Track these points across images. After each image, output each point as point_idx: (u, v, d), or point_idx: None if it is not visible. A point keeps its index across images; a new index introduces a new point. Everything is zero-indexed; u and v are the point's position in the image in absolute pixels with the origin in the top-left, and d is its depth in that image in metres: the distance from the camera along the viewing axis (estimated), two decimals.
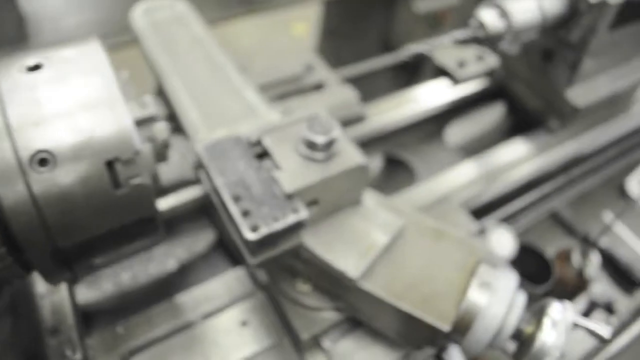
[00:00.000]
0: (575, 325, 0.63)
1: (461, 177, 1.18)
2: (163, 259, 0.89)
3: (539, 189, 1.32)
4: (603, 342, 0.63)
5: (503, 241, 1.02)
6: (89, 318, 0.84)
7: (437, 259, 0.73)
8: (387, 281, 0.70)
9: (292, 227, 0.66)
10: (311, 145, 0.69)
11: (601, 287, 1.61)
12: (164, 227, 0.59)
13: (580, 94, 1.20)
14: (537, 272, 1.45)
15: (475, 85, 1.34)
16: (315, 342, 0.79)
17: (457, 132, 1.33)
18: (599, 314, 1.46)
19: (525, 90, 1.30)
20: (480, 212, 1.26)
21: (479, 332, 0.64)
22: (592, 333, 0.64)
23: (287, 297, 0.79)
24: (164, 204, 0.79)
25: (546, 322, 0.62)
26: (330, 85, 1.33)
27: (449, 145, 1.33)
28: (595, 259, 1.47)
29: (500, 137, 1.33)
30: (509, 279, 0.68)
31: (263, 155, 0.73)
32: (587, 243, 1.67)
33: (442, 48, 1.37)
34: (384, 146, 1.30)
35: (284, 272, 0.81)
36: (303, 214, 0.67)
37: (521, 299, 0.67)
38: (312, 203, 0.70)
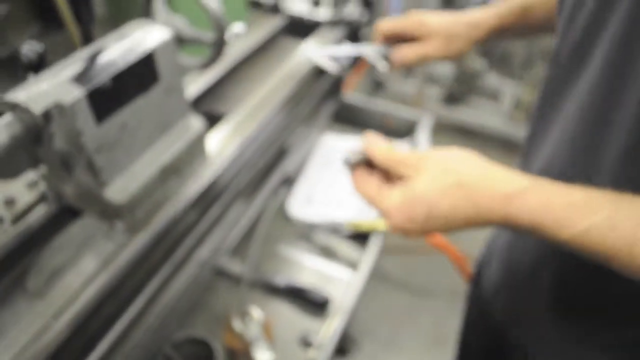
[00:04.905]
0: None
1: None
2: None
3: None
4: None
5: None
6: None
7: None
8: None
9: None
10: None
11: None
12: None
13: (119, 190, 1.12)
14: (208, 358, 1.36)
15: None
16: None
17: None
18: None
19: (79, 202, 1.17)
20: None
21: None
22: None
23: None
24: None
25: None
26: None
27: None
28: (256, 314, 1.43)
29: None
30: None
31: None
32: (269, 288, 1.65)
33: None
34: None
35: None
36: None
37: None
38: None
